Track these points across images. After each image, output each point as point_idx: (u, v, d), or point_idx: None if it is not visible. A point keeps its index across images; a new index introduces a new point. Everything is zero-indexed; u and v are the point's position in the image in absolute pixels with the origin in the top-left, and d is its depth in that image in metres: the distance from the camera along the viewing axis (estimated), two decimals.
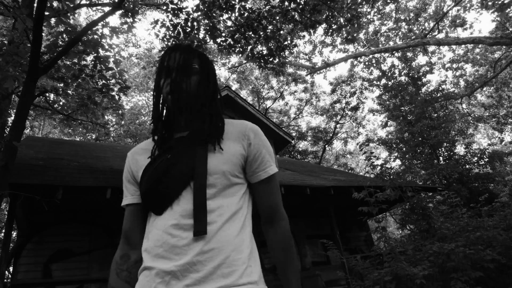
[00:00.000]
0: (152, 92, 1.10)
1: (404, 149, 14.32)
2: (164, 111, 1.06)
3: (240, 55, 7.83)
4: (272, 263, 7.07)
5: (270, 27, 7.30)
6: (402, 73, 16.01)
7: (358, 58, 17.19)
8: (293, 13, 7.24)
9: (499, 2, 9.49)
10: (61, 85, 7.08)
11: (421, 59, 42.74)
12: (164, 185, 0.94)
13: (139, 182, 1.01)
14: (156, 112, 1.05)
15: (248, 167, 1.03)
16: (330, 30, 8.17)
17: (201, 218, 0.88)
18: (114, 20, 54.77)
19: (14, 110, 5.40)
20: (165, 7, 6.83)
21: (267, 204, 1.05)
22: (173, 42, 6.97)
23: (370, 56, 16.38)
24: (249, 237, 0.96)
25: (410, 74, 15.69)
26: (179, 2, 6.67)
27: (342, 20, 7.96)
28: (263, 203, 1.05)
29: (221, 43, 7.31)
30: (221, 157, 0.97)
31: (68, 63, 6.47)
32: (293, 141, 16.07)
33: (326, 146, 21.95)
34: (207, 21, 7.07)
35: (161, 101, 1.04)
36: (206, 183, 0.92)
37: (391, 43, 16.59)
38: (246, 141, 1.03)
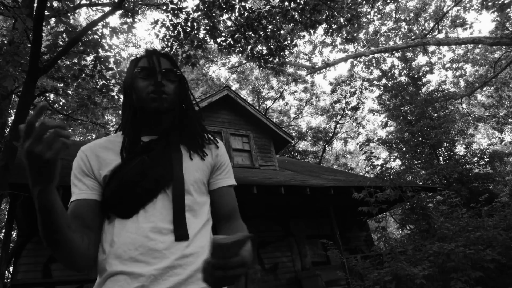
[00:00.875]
0: (125, 90, 1.07)
1: (404, 149, 14.32)
2: (137, 112, 1.03)
3: (240, 55, 7.83)
4: (272, 263, 7.08)
5: (270, 27, 7.29)
6: (402, 73, 16.01)
7: (358, 58, 17.19)
8: (293, 13, 7.23)
9: (499, 2, 9.50)
10: (61, 85, 7.09)
11: (421, 59, 42.73)
12: (140, 187, 0.91)
13: (106, 181, 0.94)
14: (130, 112, 1.03)
15: (212, 174, 1.06)
16: (330, 30, 8.17)
17: (181, 224, 0.90)
18: (114, 20, 54.80)
19: (14, 110, 5.40)
20: (165, 7, 6.83)
21: (230, 206, 1.06)
22: (173, 42, 6.97)
23: (370, 56, 16.38)
24: None
25: (410, 74, 15.69)
26: (179, 2, 6.66)
27: (342, 20, 7.96)
28: (226, 205, 1.05)
29: (221, 43, 7.31)
30: (193, 164, 1.00)
31: (68, 63, 6.48)
32: (293, 141, 16.06)
33: (326, 146, 21.95)
34: (207, 21, 7.07)
35: (137, 101, 1.01)
36: (185, 188, 0.94)
37: (391, 43, 16.60)
38: (214, 151, 1.08)
